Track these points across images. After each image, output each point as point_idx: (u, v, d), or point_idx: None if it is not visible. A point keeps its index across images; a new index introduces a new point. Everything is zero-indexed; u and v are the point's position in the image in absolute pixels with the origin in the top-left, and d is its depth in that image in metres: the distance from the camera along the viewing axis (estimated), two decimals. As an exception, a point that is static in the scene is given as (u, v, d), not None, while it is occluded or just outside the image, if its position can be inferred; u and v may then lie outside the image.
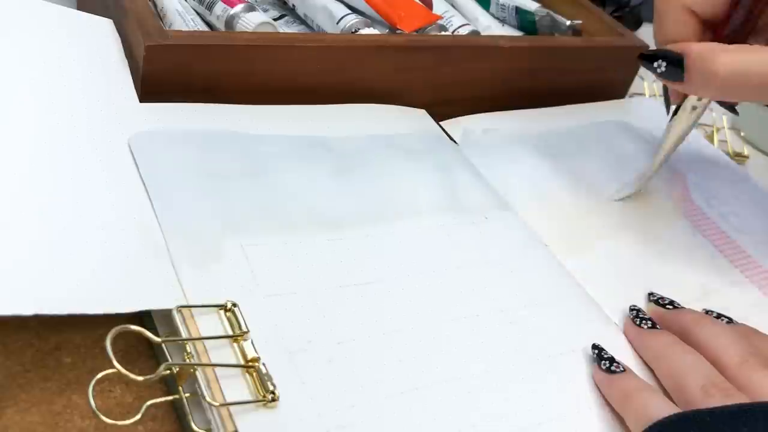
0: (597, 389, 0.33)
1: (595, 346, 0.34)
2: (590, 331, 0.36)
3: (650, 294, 0.39)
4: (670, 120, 0.43)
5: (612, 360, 0.33)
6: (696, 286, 0.42)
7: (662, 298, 0.39)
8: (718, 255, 0.45)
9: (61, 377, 0.28)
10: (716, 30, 0.40)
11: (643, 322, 0.36)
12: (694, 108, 0.41)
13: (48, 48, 0.38)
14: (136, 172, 0.34)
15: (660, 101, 0.59)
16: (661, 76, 0.38)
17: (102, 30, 0.41)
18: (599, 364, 0.33)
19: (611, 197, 0.46)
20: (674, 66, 0.37)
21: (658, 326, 0.36)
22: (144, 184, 0.34)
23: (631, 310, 0.38)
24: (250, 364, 0.28)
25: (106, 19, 0.41)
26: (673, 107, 0.43)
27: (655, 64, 0.38)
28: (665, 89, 0.45)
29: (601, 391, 0.33)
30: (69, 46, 0.39)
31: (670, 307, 0.38)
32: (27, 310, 0.26)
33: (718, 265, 0.44)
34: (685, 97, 0.42)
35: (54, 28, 0.39)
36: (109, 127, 0.36)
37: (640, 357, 0.36)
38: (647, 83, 0.62)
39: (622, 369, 0.33)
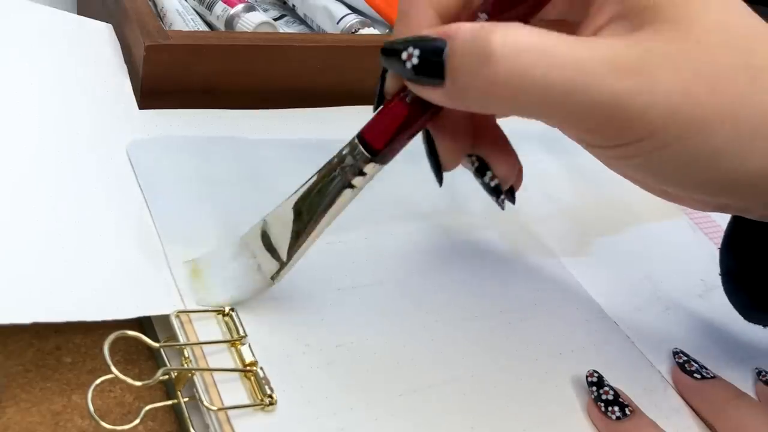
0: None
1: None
2: (590, 331, 0.36)
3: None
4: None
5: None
6: (697, 283, 0.42)
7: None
8: (718, 251, 0.45)
9: (61, 377, 0.28)
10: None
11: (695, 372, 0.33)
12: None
13: (48, 53, 0.38)
14: (134, 179, 0.34)
15: None
16: (411, 75, 0.24)
17: (101, 35, 0.41)
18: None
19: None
20: (432, 58, 0.23)
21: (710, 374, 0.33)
22: (141, 191, 0.34)
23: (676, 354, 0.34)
24: (248, 368, 0.28)
25: (106, 24, 0.41)
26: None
27: (404, 55, 0.24)
28: (378, 98, 0.28)
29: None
30: (69, 52, 0.39)
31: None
32: (24, 318, 0.26)
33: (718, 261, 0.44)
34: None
35: (54, 33, 0.39)
36: (107, 133, 0.36)
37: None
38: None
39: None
